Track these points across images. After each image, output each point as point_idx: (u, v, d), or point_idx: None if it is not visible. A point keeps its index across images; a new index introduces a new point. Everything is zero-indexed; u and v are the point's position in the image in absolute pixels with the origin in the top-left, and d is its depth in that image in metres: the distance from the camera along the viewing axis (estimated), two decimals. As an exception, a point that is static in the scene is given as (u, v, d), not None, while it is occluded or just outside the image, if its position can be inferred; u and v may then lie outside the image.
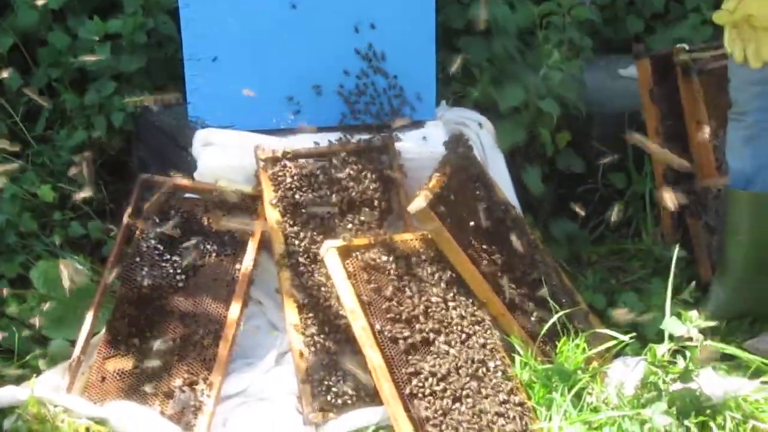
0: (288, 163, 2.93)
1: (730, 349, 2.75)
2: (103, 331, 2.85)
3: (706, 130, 3.35)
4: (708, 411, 2.55)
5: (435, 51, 3.14)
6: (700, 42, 3.66)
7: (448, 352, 2.63)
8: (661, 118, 3.45)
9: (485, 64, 3.44)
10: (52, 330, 2.97)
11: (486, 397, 2.58)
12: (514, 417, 2.57)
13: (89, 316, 2.83)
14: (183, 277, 2.88)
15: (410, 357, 2.58)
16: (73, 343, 2.83)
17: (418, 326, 2.64)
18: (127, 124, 3.33)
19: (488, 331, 2.73)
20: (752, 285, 3.08)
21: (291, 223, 2.87)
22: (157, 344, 2.74)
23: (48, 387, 2.71)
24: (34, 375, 2.77)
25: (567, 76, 3.37)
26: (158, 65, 3.38)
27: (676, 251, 2.79)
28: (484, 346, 2.69)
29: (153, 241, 2.90)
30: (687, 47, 3.51)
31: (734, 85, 3.03)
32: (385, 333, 2.60)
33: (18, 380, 2.77)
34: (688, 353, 2.56)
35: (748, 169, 3.03)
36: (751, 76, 2.94)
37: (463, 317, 2.72)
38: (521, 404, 2.61)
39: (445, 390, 2.55)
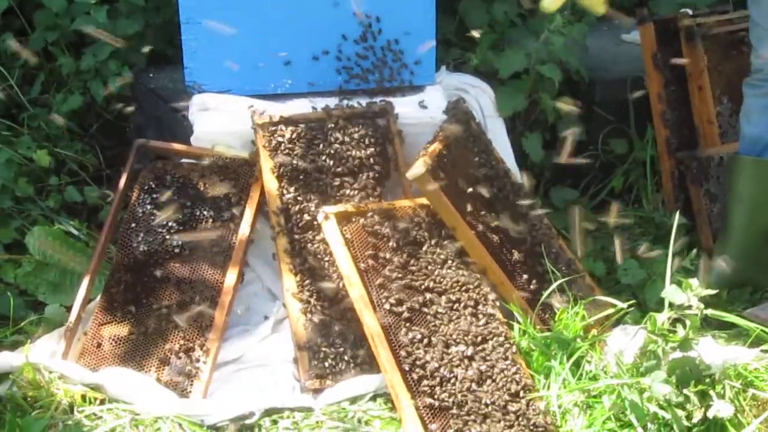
0: (285, 128, 2.91)
1: (730, 317, 2.74)
2: (99, 297, 2.84)
3: (711, 101, 3.35)
4: (707, 380, 2.54)
5: (435, 15, 3.11)
6: (704, 7, 3.63)
7: (446, 320, 2.62)
8: (665, 84, 3.44)
9: (486, 28, 3.41)
10: (47, 296, 2.97)
11: (486, 366, 2.58)
12: (511, 382, 2.57)
13: (85, 282, 2.83)
14: (180, 243, 2.86)
15: (408, 325, 2.57)
16: (68, 309, 2.82)
17: (416, 294, 2.63)
18: (123, 89, 3.30)
19: (487, 300, 2.72)
20: (755, 252, 3.08)
21: (288, 188, 2.85)
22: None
23: (43, 353, 2.71)
24: (29, 341, 2.78)
25: (569, 41, 3.36)
26: (156, 29, 3.35)
27: (677, 219, 2.78)
28: (483, 314, 2.68)
29: (149, 207, 2.89)
30: (691, 12, 3.49)
31: (760, 52, 3.00)
32: (383, 300, 2.59)
33: (13, 346, 2.77)
34: (688, 321, 2.56)
35: (764, 135, 3.02)
36: None
37: (462, 285, 2.71)
38: (518, 372, 2.61)
39: (442, 358, 2.55)
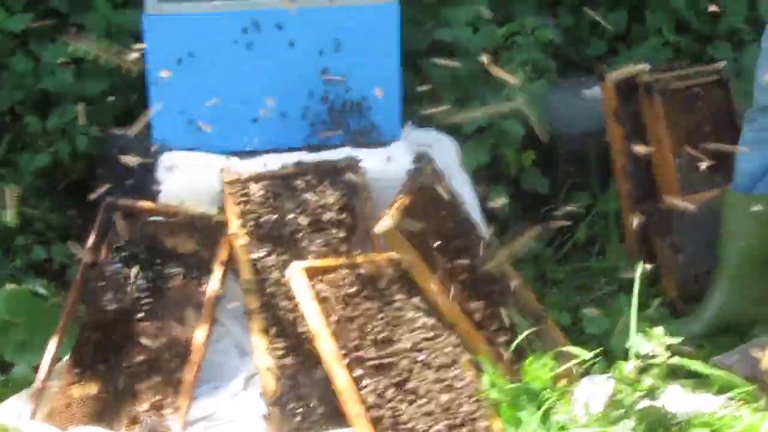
0: (253, 185, 2.93)
1: (695, 365, 2.77)
2: (68, 356, 2.83)
3: (670, 153, 3.39)
4: (674, 428, 2.57)
5: (399, 74, 3.16)
6: (663, 63, 3.69)
7: (415, 374, 2.63)
8: (626, 138, 3.47)
9: (449, 84, 3.45)
10: (15, 356, 2.95)
11: (455, 416, 2.59)
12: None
13: (53, 342, 2.81)
14: (150, 300, 2.86)
15: (378, 378, 2.58)
16: (36, 368, 2.80)
17: (385, 348, 2.64)
18: (90, 148, 3.30)
19: (454, 350, 2.73)
20: (748, 286, 3.11)
21: (257, 245, 2.86)
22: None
23: (11, 414, 2.70)
24: (-2, 401, 2.77)
25: (531, 97, 3.39)
26: (123, 88, 3.37)
27: (641, 269, 2.81)
28: (449, 365, 2.70)
29: (118, 265, 2.89)
30: (649, 68, 3.55)
31: (758, 84, 3.04)
32: (352, 354, 2.60)
33: (-19, 405, 2.75)
34: (654, 370, 2.58)
35: (757, 169, 3.06)
36: None
37: (431, 339, 2.72)
38: (487, 423, 2.62)
39: (413, 412, 2.56)
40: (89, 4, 3.41)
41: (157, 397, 2.72)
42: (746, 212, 3.09)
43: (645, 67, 3.54)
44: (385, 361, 2.61)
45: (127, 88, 3.32)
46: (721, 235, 3.17)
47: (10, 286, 3.03)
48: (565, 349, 2.84)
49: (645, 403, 2.53)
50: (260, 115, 3.10)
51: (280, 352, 2.74)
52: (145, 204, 2.96)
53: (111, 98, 3.34)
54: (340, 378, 2.53)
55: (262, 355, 2.72)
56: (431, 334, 2.73)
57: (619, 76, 3.47)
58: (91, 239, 2.91)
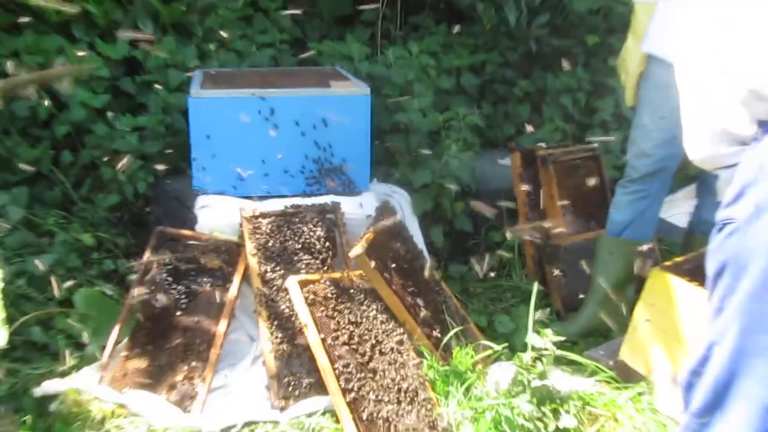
0: (263, 220, 2.91)
1: (574, 356, 2.77)
2: (126, 340, 2.79)
3: (558, 206, 3.41)
4: (558, 401, 2.56)
5: (370, 143, 3.16)
6: (553, 142, 3.73)
7: (375, 356, 2.62)
8: (528, 194, 3.50)
9: (404, 153, 3.46)
10: (88, 338, 2.90)
11: (404, 390, 2.57)
12: (422, 402, 2.56)
13: (116, 329, 2.78)
14: (186, 301, 2.84)
15: (349, 359, 2.56)
16: (103, 348, 2.76)
17: (355, 337, 2.63)
18: (148, 190, 3.29)
19: (405, 342, 2.72)
20: (609, 302, 3.11)
21: (264, 262, 2.85)
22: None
23: (84, 380, 2.66)
24: (74, 371, 2.73)
25: (462, 163, 3.41)
26: (172, 149, 3.35)
27: (536, 287, 2.81)
28: (401, 352, 2.68)
29: (164, 275, 2.86)
30: (544, 145, 3.58)
31: (630, 160, 3.06)
32: (330, 342, 2.58)
33: (62, 375, 2.70)
34: (544, 359, 2.58)
35: (627, 219, 3.07)
36: (642, 152, 2.98)
37: (387, 332, 2.71)
38: (427, 398, 2.60)
39: (373, 384, 2.54)
40: (151, 89, 3.40)
41: (190, 371, 2.69)
42: (613, 251, 3.11)
43: (542, 144, 3.58)
44: (354, 347, 2.60)
45: (175, 149, 3.29)
46: (594, 265, 3.17)
47: (87, 289, 2.99)
48: (481, 342, 2.84)
49: (537, 382, 2.53)
50: (269, 171, 3.08)
51: (279, 340, 2.71)
52: (185, 232, 2.95)
53: (168, 152, 3.33)
54: (322, 359, 2.52)
55: (266, 341, 2.70)
56: (387, 329, 2.71)
57: (523, 150, 3.50)
58: (145, 256, 2.88)
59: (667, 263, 2.76)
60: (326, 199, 3.03)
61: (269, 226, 2.90)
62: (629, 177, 3.06)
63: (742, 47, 1.65)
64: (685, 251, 3.12)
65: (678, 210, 3.66)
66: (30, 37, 3.32)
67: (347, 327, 2.64)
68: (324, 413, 2.55)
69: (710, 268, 1.75)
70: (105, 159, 3.27)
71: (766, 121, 1.66)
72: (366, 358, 2.59)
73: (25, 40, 3.31)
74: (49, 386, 2.59)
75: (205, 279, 2.86)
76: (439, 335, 2.83)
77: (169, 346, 2.75)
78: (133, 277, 2.90)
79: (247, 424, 2.50)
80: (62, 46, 3.34)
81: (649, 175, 3.01)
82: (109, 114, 3.32)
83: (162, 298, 2.81)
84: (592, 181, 3.57)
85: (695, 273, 2.63)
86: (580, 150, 3.61)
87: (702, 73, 1.72)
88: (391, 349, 2.66)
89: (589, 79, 3.87)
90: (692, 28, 1.72)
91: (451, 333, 2.81)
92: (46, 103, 3.23)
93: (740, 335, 1.68)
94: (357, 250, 2.72)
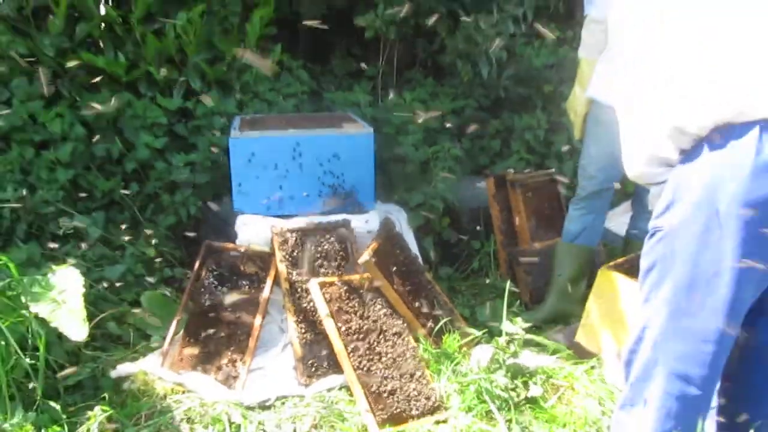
0: (290, 235, 2.90)
1: (540, 339, 2.76)
2: (182, 331, 2.78)
3: (524, 219, 3.40)
4: (527, 374, 2.55)
5: (374, 171, 3.15)
6: (520, 169, 3.72)
7: (380, 342, 2.60)
8: (500, 212, 3.49)
9: (401, 179, 3.46)
10: (152, 330, 2.91)
11: (404, 369, 2.55)
12: (419, 378, 2.54)
13: (174, 323, 2.77)
14: (229, 300, 2.82)
15: (359, 344, 2.55)
16: (164, 338, 2.76)
17: (364, 327, 2.61)
18: (198, 213, 3.28)
19: (405, 330, 2.70)
20: (566, 296, 3.10)
21: (291, 268, 2.83)
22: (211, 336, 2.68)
23: (149, 364, 2.66)
24: (141, 356, 2.73)
25: (447, 187, 3.41)
26: (217, 179, 3.34)
27: (508, 284, 2.80)
28: (401, 338, 2.66)
29: (212, 280, 2.85)
30: (513, 171, 3.57)
31: (580, 182, 3.06)
32: (344, 331, 2.57)
33: (132, 360, 2.71)
34: (516, 342, 2.57)
35: (578, 229, 3.06)
36: (589, 175, 2.97)
37: (389, 321, 2.69)
38: (423, 374, 2.58)
39: (379, 364, 2.52)
40: (200, 132, 3.40)
41: (233, 356, 2.67)
42: (569, 254, 3.10)
43: (510, 171, 3.57)
44: (363, 335, 2.58)
45: (220, 179, 3.29)
46: (554, 266, 3.17)
47: (151, 292, 2.98)
48: (466, 329, 2.82)
49: (511, 360, 2.52)
50: (294, 194, 3.07)
51: (303, 330, 2.70)
52: (228, 245, 2.93)
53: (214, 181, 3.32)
54: (338, 344, 2.50)
55: (293, 331, 2.69)
56: (390, 320, 2.70)
57: (496, 176, 3.49)
58: (197, 264, 2.87)
59: (611, 263, 2.75)
60: (339, 217, 3.03)
61: (294, 239, 2.89)
62: (579, 195, 3.06)
63: (669, 93, 1.65)
64: (625, 254, 3.12)
65: (618, 221, 3.65)
66: (106, 93, 3.33)
67: (358, 319, 2.62)
68: (340, 388, 2.54)
69: (642, 265, 1.76)
70: (164, 189, 3.27)
71: (687, 149, 1.66)
72: (373, 343, 2.57)
73: (102, 96, 3.31)
74: (122, 369, 2.58)
75: (243, 282, 2.85)
76: (432, 325, 2.81)
77: (216, 336, 2.74)
78: (187, 281, 2.90)
79: (279, 398, 2.49)
80: (130, 100, 3.34)
81: (594, 193, 3.00)
82: (167, 153, 3.32)
83: (210, 298, 2.80)
84: (551, 200, 3.56)
85: (632, 271, 2.63)
86: (540, 175, 3.60)
87: (638, 113, 1.73)
88: (394, 336, 2.65)
89: (546, 119, 3.87)
90: (630, 78, 1.73)
91: (441, 323, 2.80)
92: (119, 145, 3.25)
93: (666, 320, 1.68)
94: (365, 257, 2.71)
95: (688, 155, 1.65)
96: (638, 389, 1.76)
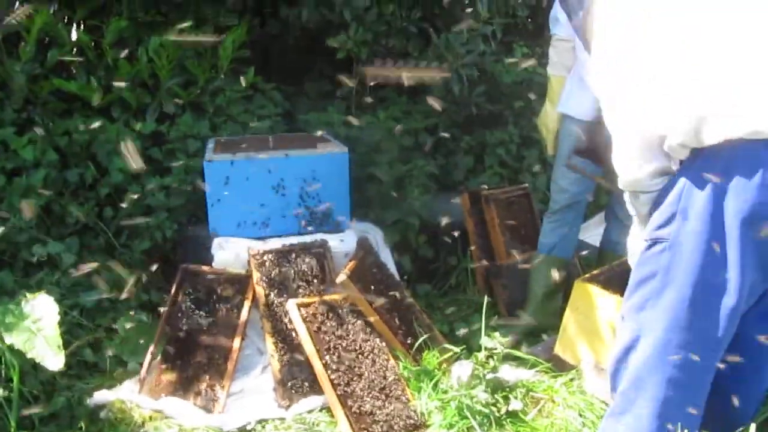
0: (267, 256, 2.88)
1: (519, 354, 2.75)
2: (159, 356, 2.73)
3: (500, 234, 3.40)
4: (507, 389, 2.54)
5: (349, 191, 3.14)
6: (493, 184, 3.74)
7: (360, 361, 2.58)
8: (475, 225, 3.49)
9: (376, 197, 3.45)
10: (129, 356, 2.84)
11: (384, 387, 2.53)
12: (400, 396, 2.52)
13: (151, 348, 2.73)
14: (207, 323, 2.78)
15: (338, 364, 2.52)
16: (141, 364, 2.71)
17: (342, 345, 2.59)
18: (174, 236, 3.23)
19: (384, 349, 2.68)
20: (544, 308, 3.10)
21: (269, 289, 2.80)
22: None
23: (127, 391, 2.61)
24: (118, 384, 2.67)
25: (422, 204, 3.41)
26: (192, 202, 3.30)
27: (486, 299, 2.80)
28: (381, 357, 2.65)
29: (189, 303, 2.81)
30: (486, 187, 3.58)
31: (552, 196, 3.07)
32: (323, 351, 2.54)
33: (108, 387, 2.65)
34: (495, 356, 2.56)
35: (552, 241, 3.07)
36: (561, 188, 2.98)
37: (368, 340, 2.67)
38: (404, 392, 2.56)
39: (360, 383, 2.49)
40: (174, 155, 3.36)
41: (211, 380, 2.63)
42: (544, 267, 3.11)
43: (484, 186, 3.59)
44: (342, 354, 2.56)
45: (194, 202, 3.25)
46: (529, 279, 3.18)
47: (127, 317, 2.93)
48: (445, 346, 2.81)
49: (491, 375, 2.51)
50: (270, 216, 3.05)
51: (282, 352, 2.67)
52: (205, 268, 2.90)
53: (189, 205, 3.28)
54: (317, 365, 2.48)
55: (272, 353, 2.65)
56: (369, 339, 2.68)
57: (470, 191, 3.50)
58: (173, 288, 2.83)
59: (587, 275, 2.76)
60: (316, 237, 3.01)
61: (271, 261, 2.86)
62: (552, 209, 3.08)
63: (652, 91, 1.65)
64: (599, 264, 3.13)
65: (593, 232, 3.68)
66: (79, 119, 3.29)
67: (337, 339, 2.60)
68: (321, 409, 2.51)
69: (638, 275, 1.76)
70: (139, 213, 3.22)
71: (684, 161, 1.67)
72: (353, 363, 2.55)
73: (75, 122, 3.27)
74: (99, 397, 2.53)
75: (221, 305, 2.81)
76: (411, 341, 2.80)
77: (194, 360, 2.69)
78: (164, 306, 2.85)
79: (259, 422, 2.46)
80: (104, 125, 3.31)
81: (567, 206, 3.02)
82: (143, 177, 3.28)
83: (187, 322, 2.76)
84: (524, 214, 3.58)
85: (608, 283, 2.64)
86: (514, 189, 3.62)
87: (620, 111, 1.71)
88: (373, 354, 2.63)
89: (518, 134, 3.90)
90: (613, 76, 1.71)
91: (420, 340, 2.78)
92: (92, 170, 3.20)
93: (665, 331, 1.69)
94: (342, 276, 2.69)
95: (688, 166, 1.66)
96: (628, 398, 1.76)
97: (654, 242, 1.71)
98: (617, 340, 1.81)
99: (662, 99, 1.63)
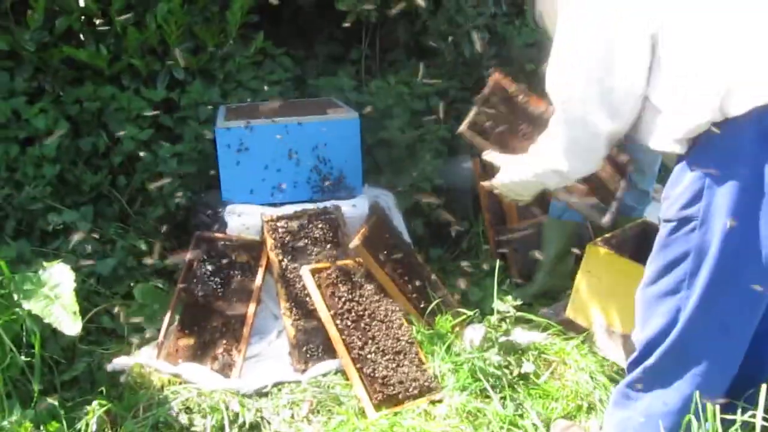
0: (280, 222, 2.88)
1: (531, 316, 2.76)
2: (176, 323, 2.77)
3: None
4: (520, 351, 2.56)
5: (361, 156, 3.13)
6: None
7: (373, 326, 2.60)
8: (487, 191, 3.46)
9: (388, 162, 3.44)
10: (146, 323, 2.88)
11: (398, 351, 2.55)
12: (413, 360, 2.54)
13: (168, 314, 2.76)
14: (222, 289, 2.80)
15: (352, 328, 2.54)
16: (159, 330, 2.74)
17: (357, 311, 2.61)
18: (188, 202, 3.24)
19: (397, 313, 2.70)
20: (555, 271, 3.12)
21: (283, 255, 2.82)
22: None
23: (145, 356, 2.65)
24: (137, 349, 2.71)
25: (434, 168, 3.39)
26: (204, 169, 3.30)
27: (498, 263, 2.80)
28: (394, 321, 2.66)
29: (203, 270, 2.83)
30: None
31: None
32: (337, 315, 2.56)
33: (127, 353, 2.69)
34: (507, 319, 2.57)
35: (564, 205, 3.06)
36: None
37: (381, 305, 2.69)
38: (417, 356, 2.58)
39: (373, 347, 2.52)
40: (186, 122, 3.35)
41: (228, 345, 2.66)
42: (556, 230, 3.11)
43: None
44: (356, 319, 2.58)
45: (207, 168, 3.25)
46: (542, 242, 3.17)
47: (143, 284, 2.95)
48: (457, 309, 2.82)
49: (503, 338, 2.52)
50: (285, 182, 3.05)
51: (297, 317, 2.70)
52: (219, 234, 2.91)
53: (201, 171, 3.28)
54: (331, 330, 2.50)
55: (287, 318, 2.68)
56: (382, 303, 2.70)
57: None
58: (188, 255, 2.85)
59: (599, 239, 2.75)
60: (328, 203, 3.01)
61: (285, 227, 2.87)
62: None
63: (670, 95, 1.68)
64: (612, 228, 3.11)
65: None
66: (90, 87, 3.28)
67: (350, 303, 2.62)
68: (336, 373, 2.54)
69: (669, 255, 1.73)
70: (152, 180, 3.23)
71: (699, 137, 1.66)
72: (366, 327, 2.57)
73: (86, 90, 3.26)
74: (118, 363, 2.56)
75: (236, 271, 2.83)
76: (424, 305, 2.81)
77: (210, 325, 2.72)
78: (179, 272, 2.87)
79: (275, 385, 2.49)
80: (114, 93, 3.29)
81: None
82: (153, 145, 3.27)
83: (203, 288, 2.78)
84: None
85: (620, 246, 2.63)
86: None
87: None
88: (386, 319, 2.64)
89: (529, 97, 3.84)
90: (584, 75, 1.79)
91: (433, 303, 2.80)
92: (104, 138, 3.20)
93: (703, 311, 1.69)
94: (355, 242, 2.70)
95: (707, 143, 1.64)
96: (665, 377, 1.76)
97: (681, 222, 1.68)
98: (647, 326, 1.79)
99: (677, 91, 1.63)
